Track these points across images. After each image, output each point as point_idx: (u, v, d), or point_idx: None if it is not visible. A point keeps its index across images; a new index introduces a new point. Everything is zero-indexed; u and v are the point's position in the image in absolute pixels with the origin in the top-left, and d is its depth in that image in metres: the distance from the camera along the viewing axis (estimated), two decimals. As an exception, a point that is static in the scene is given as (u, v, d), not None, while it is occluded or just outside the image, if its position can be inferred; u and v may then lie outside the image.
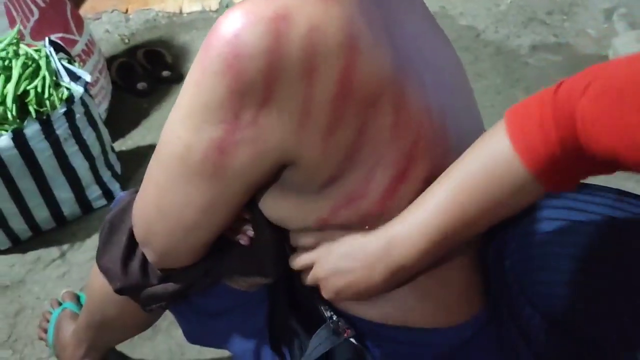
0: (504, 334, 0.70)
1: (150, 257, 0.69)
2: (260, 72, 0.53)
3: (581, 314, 0.63)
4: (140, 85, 1.82)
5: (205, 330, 0.83)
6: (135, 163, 1.60)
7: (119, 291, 0.77)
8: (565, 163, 0.53)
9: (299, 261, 0.67)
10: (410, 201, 0.62)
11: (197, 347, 1.15)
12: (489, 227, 0.60)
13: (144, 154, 1.64)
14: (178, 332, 1.22)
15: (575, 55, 1.81)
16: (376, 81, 0.56)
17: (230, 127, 0.56)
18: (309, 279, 0.67)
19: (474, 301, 0.70)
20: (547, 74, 1.77)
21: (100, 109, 1.57)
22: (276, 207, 0.65)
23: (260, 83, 0.54)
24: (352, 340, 0.67)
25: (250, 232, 0.67)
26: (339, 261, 0.63)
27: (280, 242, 0.70)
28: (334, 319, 0.68)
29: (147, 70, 1.87)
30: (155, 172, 0.62)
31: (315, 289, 0.70)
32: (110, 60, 1.86)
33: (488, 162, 0.56)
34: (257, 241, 0.67)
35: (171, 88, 1.83)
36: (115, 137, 1.61)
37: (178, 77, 1.87)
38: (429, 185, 0.62)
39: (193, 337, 0.89)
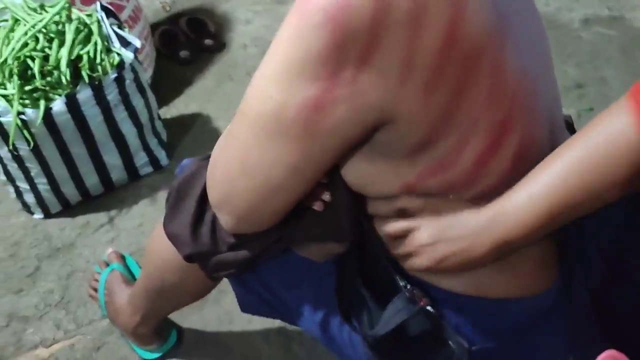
0: (575, 296, 0.69)
1: (225, 221, 0.67)
2: (365, 25, 0.51)
3: None
4: (183, 54, 1.81)
5: (267, 301, 0.83)
6: (179, 131, 1.61)
7: (187, 257, 0.76)
8: None
9: (398, 225, 0.65)
10: (499, 172, 0.60)
11: (246, 315, 1.17)
12: (594, 210, 0.58)
13: (187, 122, 1.64)
14: (226, 301, 1.23)
15: (630, 30, 1.75)
16: (480, 35, 0.54)
17: (328, 85, 0.53)
18: (407, 244, 0.65)
19: (550, 272, 0.69)
20: (600, 49, 1.72)
21: (145, 76, 1.56)
22: (360, 171, 0.63)
23: (365, 36, 0.51)
24: (429, 308, 0.66)
25: (327, 197, 0.65)
26: (445, 230, 0.62)
27: (355, 207, 0.68)
28: (409, 287, 0.67)
29: (189, 39, 1.86)
30: (240, 130, 0.60)
31: (389, 258, 0.69)
32: (152, 28, 1.85)
33: (608, 141, 0.54)
34: (334, 204, 0.66)
35: (214, 57, 1.83)
36: (159, 104, 1.60)
37: (220, 46, 1.86)
38: (517, 157, 0.60)
39: (249, 307, 0.89)
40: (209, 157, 0.73)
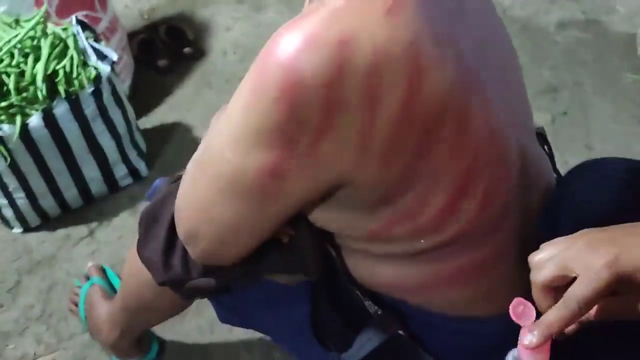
0: None
1: (192, 254, 0.69)
2: (320, 102, 0.51)
3: None
4: (162, 62, 1.81)
5: (245, 318, 0.84)
6: (159, 141, 1.61)
7: (161, 284, 0.77)
8: None
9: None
10: (467, 217, 0.60)
11: (227, 325, 1.17)
12: None
13: (168, 131, 1.65)
14: (208, 311, 1.23)
15: (605, 33, 1.78)
16: (439, 103, 0.54)
17: (285, 154, 0.54)
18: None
19: (521, 289, 0.70)
20: (575, 52, 1.74)
21: (123, 86, 1.57)
22: (324, 218, 0.64)
23: (318, 113, 0.51)
24: (400, 332, 0.67)
25: (291, 232, 0.66)
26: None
27: (321, 240, 0.69)
28: (380, 313, 0.68)
29: (168, 47, 1.86)
30: (202, 186, 0.61)
31: (358, 285, 0.69)
32: (130, 36, 1.85)
33: None
34: (298, 240, 0.67)
35: (193, 65, 1.83)
36: (138, 114, 1.61)
37: (200, 54, 1.86)
38: (485, 201, 0.59)
39: (227, 318, 0.91)
40: (180, 178, 0.74)
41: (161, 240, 0.74)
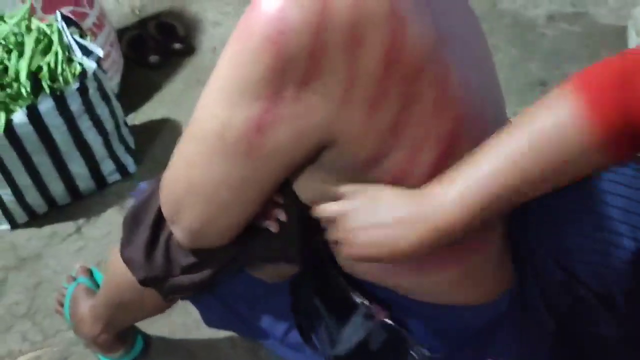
0: (528, 302, 0.70)
1: (179, 236, 0.67)
2: (304, 49, 0.52)
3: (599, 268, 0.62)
4: (152, 58, 1.80)
5: (229, 318, 0.84)
6: (148, 137, 1.60)
7: (142, 282, 0.76)
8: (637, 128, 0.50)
9: (325, 209, 0.62)
10: None
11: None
12: (538, 196, 0.56)
13: (156, 127, 1.64)
14: (194, 309, 1.22)
15: (594, 26, 1.77)
16: (421, 53, 0.54)
17: (270, 105, 0.54)
18: (333, 233, 0.61)
19: (505, 277, 0.70)
20: (564, 45, 1.73)
21: (112, 83, 1.56)
22: (314, 189, 0.63)
23: (303, 60, 0.52)
24: (387, 320, 0.67)
25: (283, 216, 0.65)
26: (373, 213, 0.58)
27: (307, 229, 0.68)
28: (365, 303, 0.68)
29: (158, 43, 1.86)
30: (187, 148, 0.61)
31: (345, 274, 0.69)
32: (120, 33, 1.85)
33: (551, 125, 0.53)
34: (285, 226, 0.66)
35: (183, 61, 1.82)
36: (127, 111, 1.61)
37: (190, 50, 1.86)
38: None
39: (213, 322, 0.90)
40: None
41: (144, 239, 0.73)
